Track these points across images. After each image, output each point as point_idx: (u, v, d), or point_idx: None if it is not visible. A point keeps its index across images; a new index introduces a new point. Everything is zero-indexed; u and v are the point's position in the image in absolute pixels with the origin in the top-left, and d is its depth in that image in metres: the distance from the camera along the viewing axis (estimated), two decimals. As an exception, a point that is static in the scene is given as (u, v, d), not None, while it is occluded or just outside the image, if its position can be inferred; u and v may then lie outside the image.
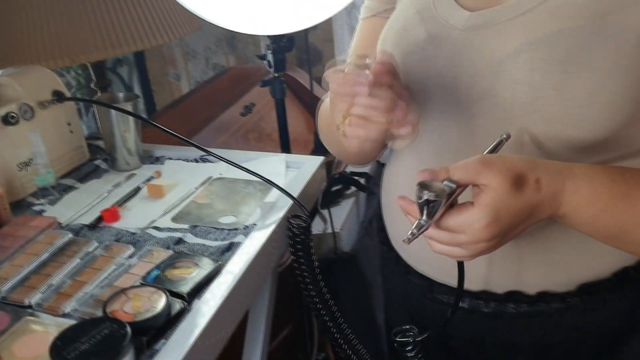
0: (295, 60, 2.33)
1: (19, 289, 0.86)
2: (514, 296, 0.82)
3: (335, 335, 1.02)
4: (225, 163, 1.10)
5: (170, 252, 0.93)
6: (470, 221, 0.66)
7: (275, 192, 1.06)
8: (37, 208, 1.09)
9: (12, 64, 1.44)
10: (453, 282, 0.84)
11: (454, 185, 0.65)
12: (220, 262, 0.89)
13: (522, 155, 0.68)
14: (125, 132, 1.19)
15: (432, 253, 0.72)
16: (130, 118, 1.17)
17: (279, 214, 1.01)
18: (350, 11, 2.02)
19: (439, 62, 0.79)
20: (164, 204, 1.07)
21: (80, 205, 1.08)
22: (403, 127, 0.70)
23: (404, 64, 0.81)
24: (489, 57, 0.74)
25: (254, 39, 2.11)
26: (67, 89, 1.22)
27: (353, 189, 1.85)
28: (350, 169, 1.87)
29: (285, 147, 1.44)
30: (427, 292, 0.89)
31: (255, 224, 0.99)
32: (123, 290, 0.82)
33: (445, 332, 0.87)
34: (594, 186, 0.68)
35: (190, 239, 0.97)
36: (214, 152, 1.21)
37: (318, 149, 1.79)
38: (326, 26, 2.11)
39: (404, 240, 0.67)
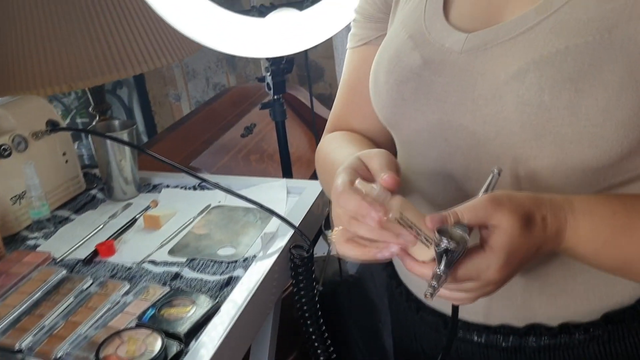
0: (297, 78, 2.31)
1: (10, 332, 0.83)
2: (534, 329, 0.78)
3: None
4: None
5: (167, 289, 0.89)
6: (484, 266, 0.63)
7: (276, 220, 1.03)
8: (31, 242, 1.06)
9: (8, 90, 1.42)
10: (469, 317, 0.80)
11: (467, 232, 0.61)
12: (218, 300, 0.86)
13: (526, 192, 0.65)
14: (122, 160, 1.16)
15: None
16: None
17: (280, 244, 0.98)
18: (350, 28, 1.99)
19: (437, 88, 0.75)
20: (161, 235, 1.04)
21: (75, 239, 1.05)
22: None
23: (400, 92, 0.78)
24: (492, 79, 0.70)
25: (254, 58, 2.09)
26: (67, 112, 1.19)
27: (358, 208, 1.82)
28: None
29: (287, 170, 1.41)
30: (442, 329, 0.84)
31: (255, 256, 0.96)
32: (117, 333, 0.79)
33: None
34: (594, 221, 0.65)
35: (188, 273, 0.94)
36: (211, 179, 1.18)
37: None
38: (326, 43, 2.09)
39: (425, 296, 0.63)
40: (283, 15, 1.23)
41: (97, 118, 1.73)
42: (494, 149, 0.72)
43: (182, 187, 1.20)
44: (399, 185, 0.66)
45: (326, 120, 0.96)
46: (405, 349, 0.96)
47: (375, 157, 0.70)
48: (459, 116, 0.73)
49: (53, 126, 1.15)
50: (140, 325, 0.82)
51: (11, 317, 0.86)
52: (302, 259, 0.96)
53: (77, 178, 1.21)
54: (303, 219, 1.04)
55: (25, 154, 1.09)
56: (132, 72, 1.54)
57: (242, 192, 1.10)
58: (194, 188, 1.20)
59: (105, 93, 1.83)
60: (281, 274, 0.97)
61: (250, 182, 1.19)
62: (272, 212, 1.00)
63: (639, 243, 0.66)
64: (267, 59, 1.27)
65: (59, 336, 0.82)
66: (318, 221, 1.14)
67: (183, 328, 0.80)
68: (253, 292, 0.87)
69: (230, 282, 0.91)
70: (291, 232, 1.00)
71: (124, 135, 1.13)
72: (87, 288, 0.92)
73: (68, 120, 2.18)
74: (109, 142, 1.14)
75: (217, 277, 0.92)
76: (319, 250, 1.71)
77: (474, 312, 0.80)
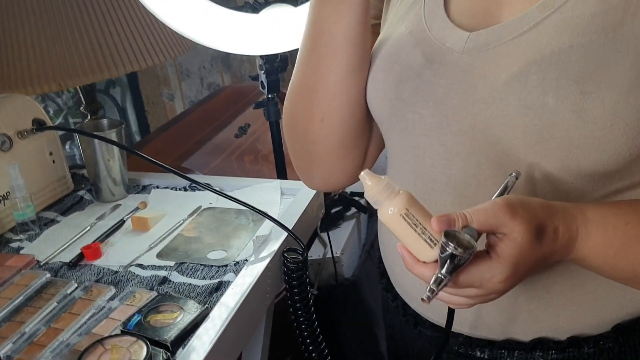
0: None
1: (-12, 340, 0.79)
2: (541, 344, 0.74)
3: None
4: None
5: (154, 294, 0.86)
6: (489, 276, 0.59)
7: (269, 222, 0.99)
8: (15, 245, 1.03)
9: (-4, 89, 1.38)
10: (471, 331, 0.77)
11: (475, 237, 0.57)
12: (207, 306, 0.82)
13: (540, 200, 0.62)
14: (110, 160, 1.12)
15: None
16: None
17: (273, 248, 0.94)
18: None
19: (438, 89, 0.71)
20: (149, 238, 1.00)
21: (60, 241, 1.01)
22: None
23: (398, 92, 0.74)
24: (493, 81, 0.66)
25: (249, 56, 2.05)
26: (59, 112, 1.15)
27: (353, 210, 1.79)
28: (350, 189, 1.80)
29: (281, 171, 1.37)
30: (444, 352, 0.80)
31: (246, 260, 0.92)
32: (100, 341, 0.75)
33: None
34: (607, 231, 0.62)
35: (176, 277, 0.90)
36: (203, 180, 1.15)
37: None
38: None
39: (422, 299, 0.59)
40: (277, 12, 1.20)
41: (88, 117, 1.69)
42: (496, 154, 0.68)
43: (172, 188, 1.16)
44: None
45: None
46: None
47: None
48: (458, 120, 0.69)
49: (39, 125, 1.11)
50: (125, 332, 0.78)
51: (-10, 324, 0.82)
52: (296, 262, 0.93)
53: (64, 179, 1.17)
54: (297, 221, 1.01)
55: (10, 153, 1.06)
56: (124, 71, 1.51)
57: (234, 194, 1.07)
58: (185, 189, 1.16)
59: (96, 92, 1.79)
60: (274, 279, 0.93)
61: (242, 183, 1.16)
62: (265, 215, 0.97)
63: None
64: (261, 57, 1.24)
65: (39, 344, 0.78)
66: (313, 224, 1.11)
67: (170, 335, 0.77)
68: (244, 297, 0.84)
69: (220, 287, 0.87)
70: (284, 235, 0.96)
71: (112, 135, 1.10)
72: (71, 293, 0.88)
73: (60, 120, 2.14)
74: (97, 141, 1.10)
75: (206, 282, 0.89)
76: (314, 253, 1.68)
77: (476, 327, 0.76)
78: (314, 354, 0.96)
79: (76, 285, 0.89)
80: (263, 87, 1.26)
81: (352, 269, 1.66)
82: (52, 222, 1.09)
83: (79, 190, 1.19)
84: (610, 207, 0.64)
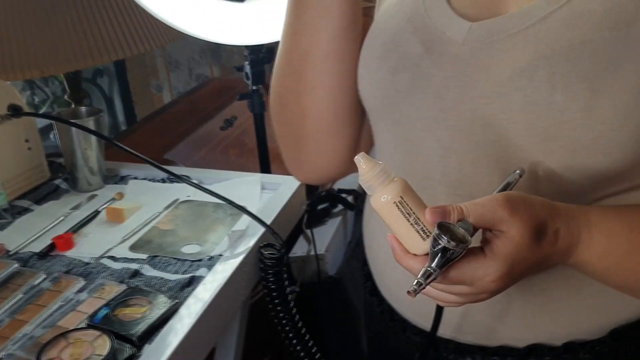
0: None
1: (-51, 330, 0.76)
2: (536, 350, 0.71)
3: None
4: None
5: (124, 287, 0.83)
6: (482, 274, 0.56)
7: (247, 217, 0.97)
8: (-15, 233, 1.00)
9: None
10: (462, 337, 0.74)
11: (471, 231, 0.55)
12: (177, 300, 0.80)
13: (542, 199, 0.59)
14: (87, 149, 1.09)
15: (432, 303, 0.63)
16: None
17: (249, 243, 0.91)
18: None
19: (436, 82, 0.67)
20: (124, 229, 0.97)
21: (32, 230, 0.99)
22: None
23: (393, 83, 0.70)
24: (496, 75, 0.63)
25: (238, 48, 2.02)
26: (46, 101, 1.12)
27: (340, 207, 1.76)
28: (337, 185, 1.77)
29: (265, 166, 1.35)
30: (431, 351, 0.77)
31: (221, 255, 0.90)
32: (64, 334, 0.73)
33: None
34: (610, 237, 0.60)
35: (148, 271, 0.88)
36: (183, 172, 1.12)
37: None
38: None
39: (408, 292, 0.56)
40: (263, 1, 1.17)
41: (72, 106, 1.66)
42: (495, 152, 0.64)
43: (150, 180, 1.14)
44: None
45: None
46: None
47: None
48: (456, 115, 0.66)
49: (14, 111, 1.08)
50: (91, 326, 0.76)
51: (-47, 314, 0.79)
52: (272, 259, 0.90)
53: (40, 167, 1.14)
54: (276, 216, 0.98)
55: (-17, 139, 1.03)
56: (109, 59, 1.48)
57: (213, 187, 1.04)
58: (163, 181, 1.13)
59: (82, 80, 1.76)
60: (250, 275, 0.91)
61: (223, 176, 1.13)
62: (242, 209, 0.94)
63: None
64: (246, 47, 1.21)
65: (2, 335, 0.75)
66: (293, 219, 1.08)
67: (137, 330, 0.74)
68: (216, 293, 0.81)
69: (192, 282, 0.85)
70: (262, 230, 0.94)
71: (90, 123, 1.07)
72: (38, 284, 0.85)
73: (46, 108, 2.11)
74: (74, 130, 1.07)
75: (178, 276, 0.86)
76: (299, 249, 1.66)
77: (468, 333, 0.73)
78: (300, 351, 0.94)
79: (45, 276, 0.87)
80: (248, 79, 1.24)
81: (336, 266, 1.63)
82: (26, 210, 1.06)
83: (55, 179, 1.16)
84: (615, 212, 0.62)
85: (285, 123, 0.82)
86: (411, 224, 0.56)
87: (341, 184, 1.76)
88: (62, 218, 1.02)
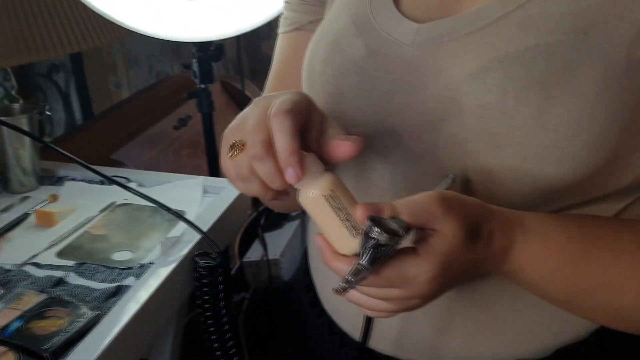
0: (248, 72, 2.22)
1: None
2: None
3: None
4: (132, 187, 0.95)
5: (44, 296, 0.78)
6: (415, 273, 0.52)
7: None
8: None
9: None
10: (402, 354, 0.71)
11: (404, 230, 0.52)
12: (99, 312, 0.75)
13: (477, 200, 0.56)
14: (19, 149, 1.04)
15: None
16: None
17: (182, 251, 0.87)
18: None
19: (382, 85, 0.64)
20: (53, 234, 0.92)
21: (-45, 234, 0.93)
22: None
23: (338, 87, 0.67)
24: (446, 78, 0.60)
25: (179, 42, 1.97)
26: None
27: (298, 210, 1.72)
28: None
29: (214, 167, 1.30)
30: None
31: (152, 263, 0.85)
32: (-32, 349, 0.67)
33: None
34: (547, 244, 0.57)
35: (74, 279, 0.82)
36: (125, 173, 1.07)
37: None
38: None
39: (334, 290, 0.53)
40: (211, -3, 1.13)
41: (20, 102, 1.59)
42: (442, 159, 0.61)
43: (88, 181, 1.08)
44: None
45: None
46: None
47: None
48: (404, 119, 0.62)
49: (-58, 106, 1.02)
50: None
51: None
52: (208, 268, 0.86)
53: (-30, 166, 1.08)
54: (215, 222, 0.94)
55: None
56: (56, 54, 1.42)
57: (153, 190, 1.00)
58: (102, 182, 1.08)
59: (34, 76, 1.70)
60: (183, 285, 0.86)
61: (165, 178, 1.08)
62: (176, 214, 0.89)
63: (591, 276, 0.57)
64: (194, 44, 1.16)
65: None
66: (235, 225, 1.04)
67: (50, 345, 0.69)
68: (142, 304, 0.76)
69: (118, 292, 0.80)
70: (198, 237, 0.89)
71: (22, 121, 1.01)
72: (-48, 293, 0.80)
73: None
74: (5, 128, 1.01)
75: (105, 285, 0.81)
76: (253, 254, 1.61)
77: (408, 350, 0.70)
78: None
79: (-40, 284, 0.81)
80: (195, 77, 1.19)
81: (291, 272, 1.59)
82: (-49, 212, 1.00)
83: (-14, 179, 1.10)
84: (553, 218, 0.59)
85: None
86: (342, 220, 0.53)
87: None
88: (-12, 221, 0.97)
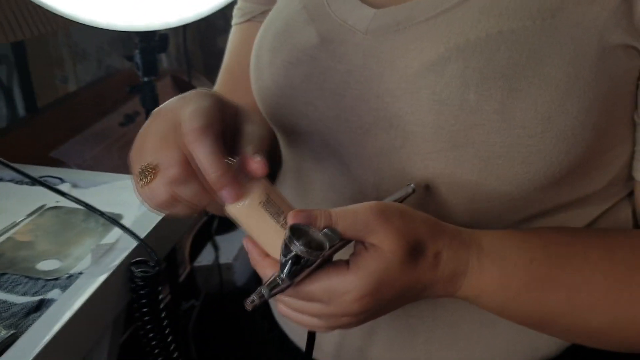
0: (202, 67, 2.13)
1: None
2: None
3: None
4: (62, 189, 0.87)
5: (-47, 313, 0.69)
6: (342, 290, 0.47)
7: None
8: None
9: None
10: None
11: (336, 241, 0.46)
12: (15, 331, 0.66)
13: (427, 215, 0.50)
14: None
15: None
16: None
17: (116, 260, 0.78)
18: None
19: (335, 76, 0.58)
20: (-29, 241, 0.83)
21: None
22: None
23: (287, 78, 0.61)
24: (402, 69, 0.54)
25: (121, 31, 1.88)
26: None
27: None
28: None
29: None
30: None
31: (81, 273, 0.77)
32: None
33: None
34: (506, 269, 0.51)
35: (-10, 293, 0.74)
36: (59, 173, 0.99)
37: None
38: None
39: (244, 303, 0.48)
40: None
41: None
42: (399, 160, 0.55)
43: (17, 182, 0.99)
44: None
45: None
46: None
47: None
48: (358, 115, 0.56)
49: None
50: None
51: None
52: (144, 278, 0.78)
53: None
54: (155, 227, 0.86)
55: None
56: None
57: (88, 191, 0.91)
58: (32, 183, 0.99)
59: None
60: (119, 297, 0.78)
61: (104, 178, 1.00)
62: (109, 219, 0.81)
63: (558, 300, 0.52)
64: (136, 34, 1.08)
65: None
66: (177, 231, 0.96)
67: (-46, 371, 0.60)
68: (66, 320, 0.68)
69: (41, 307, 0.71)
70: (135, 244, 0.81)
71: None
72: None
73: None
74: None
75: (26, 299, 0.73)
76: (205, 258, 1.53)
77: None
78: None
79: None
80: (138, 69, 1.10)
81: (244, 276, 1.52)
82: None
83: None
84: (514, 238, 0.53)
85: None
86: (282, 226, 0.49)
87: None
88: None
